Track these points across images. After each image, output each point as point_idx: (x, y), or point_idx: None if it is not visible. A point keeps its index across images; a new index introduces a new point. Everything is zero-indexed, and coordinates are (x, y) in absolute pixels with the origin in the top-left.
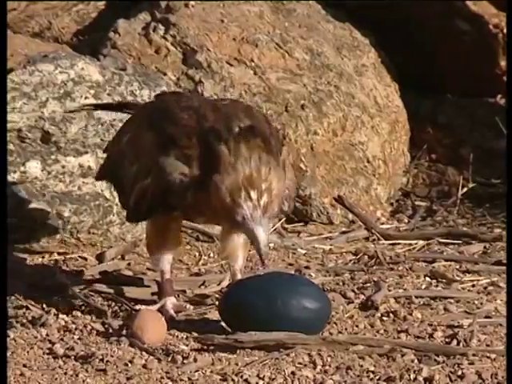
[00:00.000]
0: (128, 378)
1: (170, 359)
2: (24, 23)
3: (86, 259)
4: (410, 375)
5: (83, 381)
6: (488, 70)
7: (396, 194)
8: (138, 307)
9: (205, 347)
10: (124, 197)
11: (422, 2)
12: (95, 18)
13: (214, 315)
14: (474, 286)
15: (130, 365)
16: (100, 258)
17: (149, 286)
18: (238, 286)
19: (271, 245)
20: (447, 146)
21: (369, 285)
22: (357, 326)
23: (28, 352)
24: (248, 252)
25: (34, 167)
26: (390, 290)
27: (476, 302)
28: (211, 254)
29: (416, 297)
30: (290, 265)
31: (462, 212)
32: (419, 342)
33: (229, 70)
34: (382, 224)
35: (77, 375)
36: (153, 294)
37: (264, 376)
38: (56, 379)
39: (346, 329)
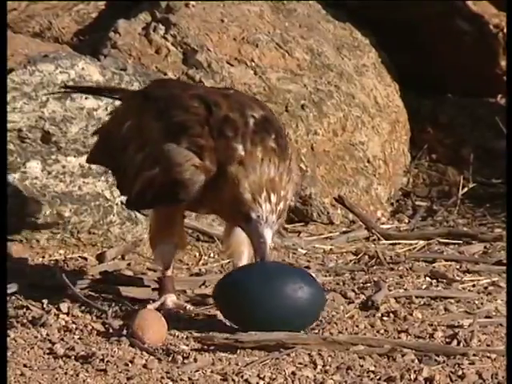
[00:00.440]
0: (128, 378)
1: (170, 359)
2: (24, 23)
3: (86, 259)
4: (410, 375)
5: (83, 381)
6: (488, 69)
7: (396, 193)
8: (138, 307)
9: (205, 347)
10: (125, 184)
11: (423, 2)
12: (95, 18)
13: (214, 315)
14: (474, 285)
15: (130, 365)
16: (100, 258)
17: (149, 286)
18: (233, 271)
19: (271, 245)
20: (447, 146)
21: (369, 285)
22: (357, 326)
23: (28, 352)
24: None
25: (34, 167)
26: (390, 290)
27: (476, 302)
28: (211, 254)
29: (416, 297)
30: (290, 265)
31: (463, 212)
32: (420, 342)
33: (229, 69)
34: (383, 224)
35: (77, 375)
36: (153, 289)
37: (264, 376)
38: (56, 379)
39: (346, 329)
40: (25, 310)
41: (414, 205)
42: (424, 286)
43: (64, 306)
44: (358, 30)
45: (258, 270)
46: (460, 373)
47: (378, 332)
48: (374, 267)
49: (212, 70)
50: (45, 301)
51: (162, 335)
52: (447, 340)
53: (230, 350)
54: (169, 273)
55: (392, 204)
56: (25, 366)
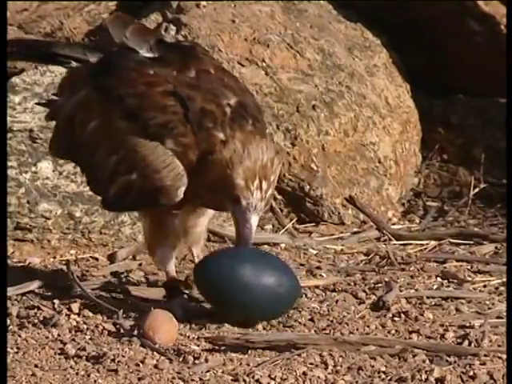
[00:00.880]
0: (139, 379)
1: (181, 359)
2: (35, 23)
3: (97, 259)
4: (421, 376)
5: (94, 381)
6: (499, 70)
7: (407, 194)
8: (149, 307)
9: (216, 347)
10: (98, 184)
11: (434, 2)
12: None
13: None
14: (485, 286)
15: (141, 365)
16: (111, 258)
17: (160, 287)
18: (218, 253)
19: (282, 245)
20: (459, 147)
21: (380, 285)
22: (368, 327)
23: (39, 352)
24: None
25: (45, 167)
26: (401, 291)
27: (487, 302)
28: None
29: (427, 297)
30: (302, 265)
31: (474, 212)
32: (430, 343)
33: (240, 70)
34: (394, 224)
35: (88, 375)
36: (164, 296)
37: (275, 376)
38: (67, 379)
39: (357, 329)
40: (36, 310)
41: (424, 205)
42: (435, 287)
43: (75, 307)
44: (369, 30)
45: (245, 255)
46: (471, 373)
47: (389, 332)
48: (385, 267)
49: None
50: (56, 301)
51: (173, 335)
52: (458, 340)
53: (241, 350)
54: (173, 274)
55: (403, 204)
56: (36, 366)
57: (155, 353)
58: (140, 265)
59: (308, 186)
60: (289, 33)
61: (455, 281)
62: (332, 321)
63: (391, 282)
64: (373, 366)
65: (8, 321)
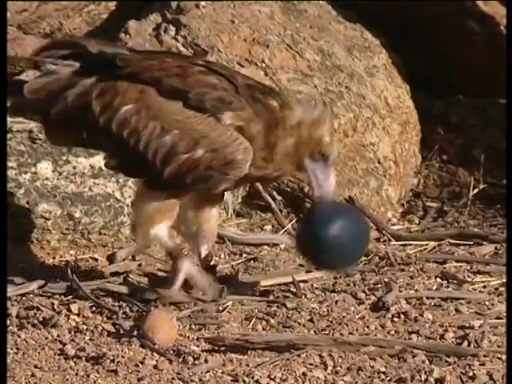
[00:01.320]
0: (139, 379)
1: (180, 360)
2: (35, 24)
3: (96, 260)
4: (421, 376)
5: (94, 381)
6: (499, 70)
7: (407, 194)
8: (148, 308)
9: (216, 348)
10: (141, 167)
11: (433, 3)
12: (106, 19)
13: (225, 315)
14: (485, 286)
15: (140, 365)
16: (111, 258)
17: (160, 288)
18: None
19: (282, 246)
20: (458, 147)
21: (380, 286)
22: (368, 327)
23: (39, 353)
24: None
25: (45, 168)
26: (400, 291)
27: (487, 302)
28: (222, 255)
29: (427, 298)
30: (301, 265)
31: (473, 213)
32: (430, 343)
33: (240, 70)
34: (393, 225)
35: (88, 376)
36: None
37: (275, 377)
38: (67, 380)
39: (356, 330)
40: (35, 310)
41: (424, 206)
42: (435, 287)
43: (75, 307)
44: (369, 30)
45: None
46: (471, 374)
47: (388, 333)
48: (385, 268)
49: None
50: (55, 302)
51: (173, 336)
52: (458, 341)
53: (241, 350)
54: (176, 242)
55: (402, 205)
56: (35, 366)
57: (155, 353)
58: (139, 265)
59: (307, 187)
60: (288, 33)
61: (455, 281)
62: (331, 321)
63: (391, 283)
64: (372, 367)
65: (8, 321)
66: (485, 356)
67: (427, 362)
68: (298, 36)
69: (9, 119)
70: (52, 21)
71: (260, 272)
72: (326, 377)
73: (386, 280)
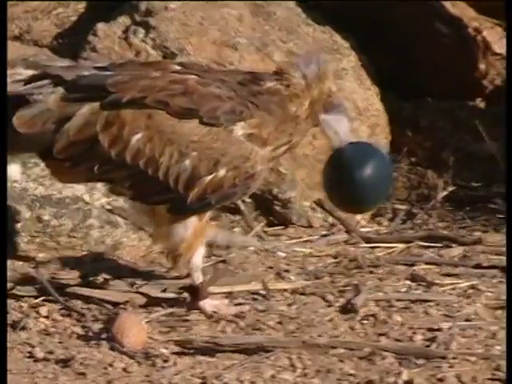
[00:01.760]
0: (108, 382)
1: (150, 363)
2: None
3: (65, 263)
4: (390, 378)
5: None
6: (468, 72)
7: None
8: (117, 310)
9: (185, 350)
10: (163, 193)
11: (402, 5)
12: (75, 21)
13: (194, 318)
14: (453, 289)
15: (109, 368)
16: (80, 261)
17: (129, 291)
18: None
19: (251, 248)
20: (427, 149)
21: (349, 288)
22: (337, 329)
23: (8, 355)
24: None
25: (14, 170)
26: (369, 294)
27: (456, 305)
28: None
29: (396, 300)
30: (270, 268)
31: (442, 215)
32: (399, 345)
33: None
34: (362, 227)
35: (57, 378)
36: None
37: (244, 379)
38: (36, 383)
39: (325, 332)
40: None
41: (393, 208)
42: (404, 290)
43: (44, 310)
44: (338, 33)
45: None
46: (439, 376)
47: (357, 335)
48: (354, 270)
49: None
50: (24, 304)
51: (142, 339)
52: (427, 343)
53: (210, 353)
54: (200, 279)
55: None
56: None
57: (124, 356)
58: (109, 268)
59: (277, 189)
60: (257, 36)
61: (424, 283)
62: (301, 324)
63: (360, 285)
64: (341, 369)
65: None
66: (454, 358)
67: (396, 364)
68: (267, 38)
69: None
70: (21, 23)
71: (229, 275)
72: (295, 379)
73: (355, 282)
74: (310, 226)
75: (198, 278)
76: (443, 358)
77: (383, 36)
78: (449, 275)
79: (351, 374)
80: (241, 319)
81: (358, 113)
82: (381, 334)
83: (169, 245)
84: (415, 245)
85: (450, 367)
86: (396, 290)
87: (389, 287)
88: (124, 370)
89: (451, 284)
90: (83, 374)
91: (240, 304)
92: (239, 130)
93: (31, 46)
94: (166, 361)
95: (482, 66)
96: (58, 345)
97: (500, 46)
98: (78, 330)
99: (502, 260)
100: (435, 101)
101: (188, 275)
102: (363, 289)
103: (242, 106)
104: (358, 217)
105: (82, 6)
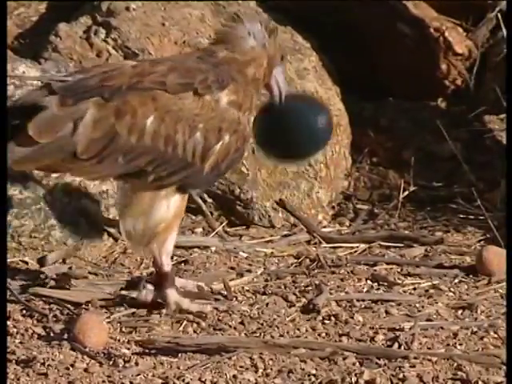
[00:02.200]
0: (69, 382)
1: (111, 363)
2: None
3: (27, 263)
4: (351, 378)
5: None
6: (429, 73)
7: (337, 197)
8: (79, 311)
9: (146, 351)
10: (185, 169)
11: (364, 5)
12: (36, 22)
13: (155, 319)
14: (415, 289)
15: (71, 369)
16: (41, 261)
17: (90, 291)
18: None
19: (213, 248)
20: (389, 150)
21: (310, 288)
22: (298, 330)
23: None
24: None
25: None
26: (331, 294)
27: (417, 305)
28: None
29: (357, 300)
30: (232, 268)
31: (404, 215)
32: (361, 345)
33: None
34: (324, 227)
35: (18, 379)
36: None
37: (206, 380)
38: None
39: (287, 332)
40: None
41: (355, 208)
42: (365, 289)
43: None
44: (299, 33)
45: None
46: (401, 376)
47: (319, 335)
48: (316, 270)
49: None
50: None
51: (103, 339)
52: (388, 343)
53: (172, 353)
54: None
55: (333, 207)
56: None
57: (85, 356)
58: (70, 268)
59: (238, 189)
60: None
61: (385, 283)
62: (262, 324)
63: (321, 285)
64: (303, 369)
65: None
66: (415, 358)
67: (358, 364)
68: None
69: None
70: None
71: (191, 275)
72: (256, 379)
73: (317, 282)
74: (272, 226)
75: (168, 264)
76: (405, 357)
77: (345, 36)
78: (410, 275)
79: (313, 374)
80: (202, 319)
81: None
82: (342, 334)
83: (147, 223)
84: (377, 245)
85: (411, 367)
86: (357, 290)
87: (350, 287)
88: (85, 370)
89: (412, 284)
90: (45, 374)
91: (202, 304)
92: (224, 97)
93: None
94: (127, 361)
95: (444, 66)
96: (20, 345)
97: (460, 47)
98: (40, 330)
99: (464, 260)
100: (397, 101)
101: (154, 261)
102: (325, 289)
103: (220, 76)
104: (320, 217)
105: (43, 7)
